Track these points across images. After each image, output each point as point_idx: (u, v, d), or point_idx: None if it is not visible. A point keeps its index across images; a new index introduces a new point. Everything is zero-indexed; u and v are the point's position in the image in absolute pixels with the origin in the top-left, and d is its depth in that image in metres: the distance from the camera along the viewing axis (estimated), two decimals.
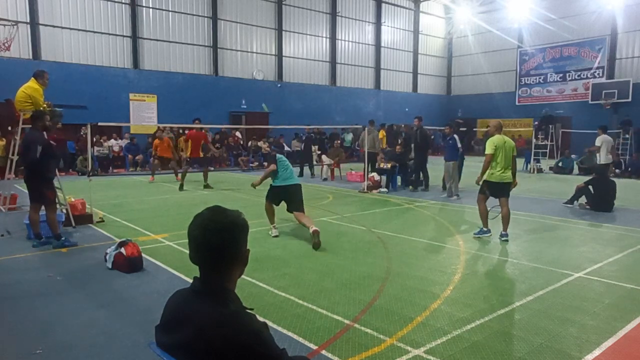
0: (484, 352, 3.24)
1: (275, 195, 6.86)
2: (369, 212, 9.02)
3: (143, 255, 5.29)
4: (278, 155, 7.21)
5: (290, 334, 3.52)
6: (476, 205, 7.56)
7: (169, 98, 20.34)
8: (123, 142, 18.80)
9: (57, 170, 6.97)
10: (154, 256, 5.63)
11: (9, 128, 13.00)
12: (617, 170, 16.16)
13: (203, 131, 13.27)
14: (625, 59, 24.76)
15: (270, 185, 6.92)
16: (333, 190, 12.29)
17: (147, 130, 19.14)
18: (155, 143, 14.57)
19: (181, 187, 11.94)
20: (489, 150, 6.63)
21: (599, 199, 9.22)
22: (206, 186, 12.28)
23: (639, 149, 19.86)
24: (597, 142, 11.85)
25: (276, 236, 6.73)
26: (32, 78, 7.46)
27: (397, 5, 29.73)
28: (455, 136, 11.05)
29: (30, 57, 17.34)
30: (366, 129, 13.10)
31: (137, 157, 18.28)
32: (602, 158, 11.69)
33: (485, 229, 6.84)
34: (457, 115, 29.85)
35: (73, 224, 7.34)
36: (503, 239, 6.57)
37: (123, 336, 3.52)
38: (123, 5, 19.59)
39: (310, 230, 6.10)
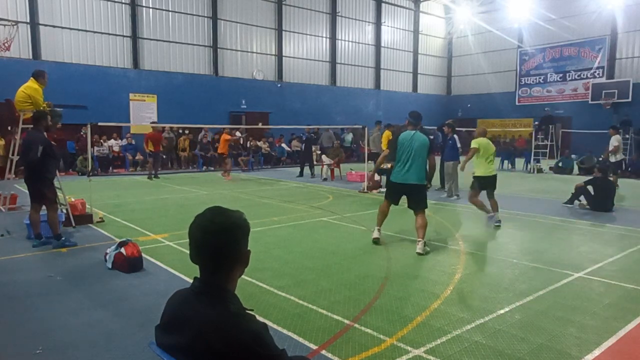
0: (484, 352, 3.24)
1: (391, 193, 6.23)
2: (369, 212, 9.01)
3: (143, 255, 5.29)
4: (402, 135, 6.11)
5: (290, 334, 3.52)
6: (475, 205, 7.74)
7: (169, 98, 20.33)
8: (123, 142, 18.81)
9: (57, 171, 6.97)
10: (154, 256, 5.62)
11: (9, 128, 13.00)
12: (617, 171, 16.15)
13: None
14: (625, 59, 24.75)
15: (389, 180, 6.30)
16: (333, 190, 12.29)
17: (147, 130, 19.12)
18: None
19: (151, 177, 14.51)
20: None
21: (598, 199, 9.21)
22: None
23: (639, 149, 19.86)
24: (615, 142, 12.33)
25: (376, 238, 6.24)
26: (32, 78, 7.47)
27: (397, 5, 29.72)
28: (455, 136, 11.06)
29: (30, 57, 17.33)
30: (366, 128, 13.13)
31: (136, 157, 18.28)
32: (619, 156, 12.44)
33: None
34: (458, 115, 29.88)
35: (73, 224, 7.34)
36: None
37: (123, 336, 3.52)
38: (123, 5, 19.58)
39: (416, 249, 5.83)
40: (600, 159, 15.80)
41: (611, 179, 10.71)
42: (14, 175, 8.58)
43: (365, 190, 11.83)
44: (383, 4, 28.76)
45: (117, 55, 19.60)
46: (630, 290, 4.56)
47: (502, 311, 3.99)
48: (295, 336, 3.48)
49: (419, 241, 5.89)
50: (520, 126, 26.43)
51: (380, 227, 6.36)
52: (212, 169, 16.30)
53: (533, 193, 11.93)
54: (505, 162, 19.62)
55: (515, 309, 4.05)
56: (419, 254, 5.80)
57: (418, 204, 6.05)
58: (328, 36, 26.47)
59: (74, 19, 18.40)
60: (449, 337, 3.48)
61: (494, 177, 7.63)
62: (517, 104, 28.92)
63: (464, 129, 23.97)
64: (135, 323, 3.75)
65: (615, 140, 12.51)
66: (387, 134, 12.43)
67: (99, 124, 11.26)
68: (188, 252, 1.59)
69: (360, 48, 28.11)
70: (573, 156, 18.98)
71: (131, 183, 13.79)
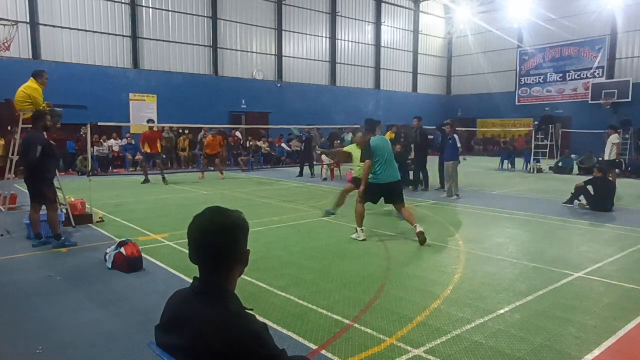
0: (484, 352, 3.24)
1: (374, 194, 6.54)
2: (368, 212, 8.97)
3: (143, 255, 5.29)
4: (374, 140, 6.48)
5: (290, 334, 3.52)
6: (475, 205, 7.72)
7: (169, 98, 20.34)
8: (123, 142, 18.81)
9: (57, 171, 6.97)
10: (154, 256, 5.62)
11: (9, 128, 13.02)
12: (617, 170, 16.18)
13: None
14: (625, 59, 24.75)
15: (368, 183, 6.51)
16: (333, 190, 12.27)
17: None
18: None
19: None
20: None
21: (598, 199, 9.21)
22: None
23: (639, 149, 19.86)
24: (615, 140, 12.45)
25: (364, 240, 6.48)
26: (32, 78, 7.47)
27: (397, 5, 29.72)
28: (456, 136, 11.04)
29: (30, 57, 17.34)
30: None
31: (136, 157, 18.27)
32: (613, 155, 12.46)
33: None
34: (457, 115, 29.89)
35: (73, 224, 7.33)
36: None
37: (123, 336, 3.52)
38: (123, 5, 19.59)
39: (416, 231, 6.19)
40: (600, 159, 15.81)
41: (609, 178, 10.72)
42: (14, 175, 8.57)
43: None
44: (383, 4, 28.76)
45: (117, 55, 19.60)
46: (630, 290, 4.56)
47: (502, 311, 3.99)
48: (295, 336, 3.48)
49: (416, 225, 6.24)
50: (520, 126, 26.46)
51: (363, 228, 6.66)
52: (212, 169, 16.32)
53: (533, 193, 11.92)
54: (505, 162, 19.61)
55: (515, 309, 4.05)
56: (423, 232, 6.16)
57: (399, 197, 6.57)
58: (328, 36, 26.47)
59: (74, 19, 18.41)
60: (449, 337, 3.48)
61: None
62: (517, 104, 28.92)
63: (464, 129, 24.03)
64: (135, 323, 3.75)
65: (615, 139, 12.61)
66: (389, 135, 12.43)
67: (99, 124, 11.30)
68: (188, 252, 1.59)
69: (360, 48, 28.11)
70: (573, 156, 18.98)
71: (131, 183, 13.78)
